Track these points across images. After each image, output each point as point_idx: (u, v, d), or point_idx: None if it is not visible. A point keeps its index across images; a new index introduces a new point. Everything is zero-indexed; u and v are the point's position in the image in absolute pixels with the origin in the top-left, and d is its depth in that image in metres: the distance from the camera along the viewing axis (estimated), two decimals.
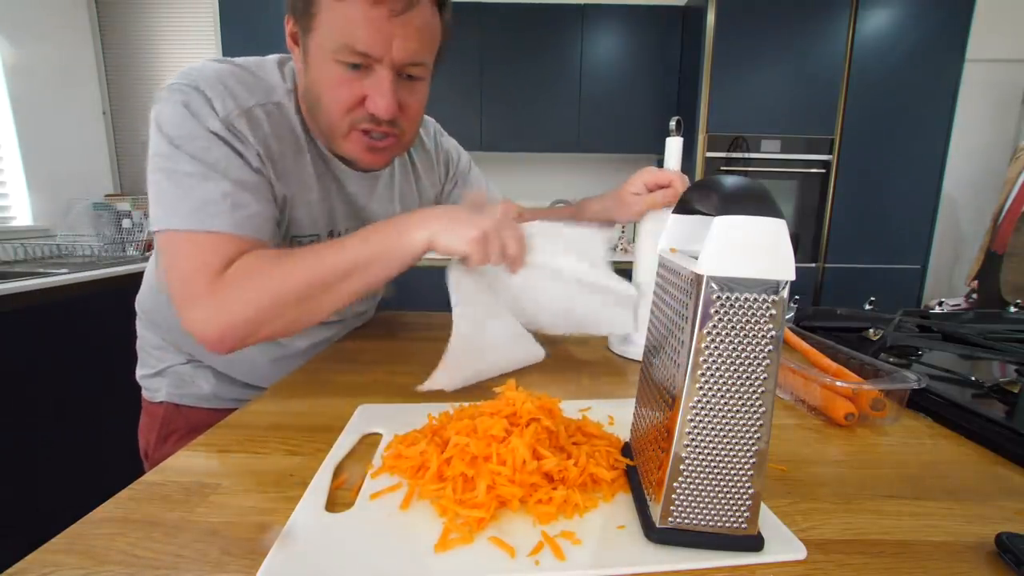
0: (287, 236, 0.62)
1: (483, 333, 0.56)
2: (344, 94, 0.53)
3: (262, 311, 0.49)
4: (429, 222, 0.50)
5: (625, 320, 0.64)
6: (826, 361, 0.59)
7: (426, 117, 0.81)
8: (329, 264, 0.49)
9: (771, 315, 0.28)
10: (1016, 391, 0.54)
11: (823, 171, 2.23)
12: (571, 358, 0.71)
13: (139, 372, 0.72)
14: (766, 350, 0.28)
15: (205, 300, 0.48)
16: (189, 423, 0.69)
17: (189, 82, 0.51)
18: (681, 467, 0.30)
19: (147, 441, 0.71)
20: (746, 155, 2.23)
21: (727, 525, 0.31)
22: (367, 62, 0.52)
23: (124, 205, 2.25)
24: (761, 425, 0.29)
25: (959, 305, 2.07)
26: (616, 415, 0.50)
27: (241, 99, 0.54)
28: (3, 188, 2.06)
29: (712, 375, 0.29)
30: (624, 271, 0.66)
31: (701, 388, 0.29)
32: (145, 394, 0.72)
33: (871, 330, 0.75)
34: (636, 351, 0.71)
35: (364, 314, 0.87)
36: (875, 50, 2.15)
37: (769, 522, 0.33)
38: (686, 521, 0.31)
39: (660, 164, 0.71)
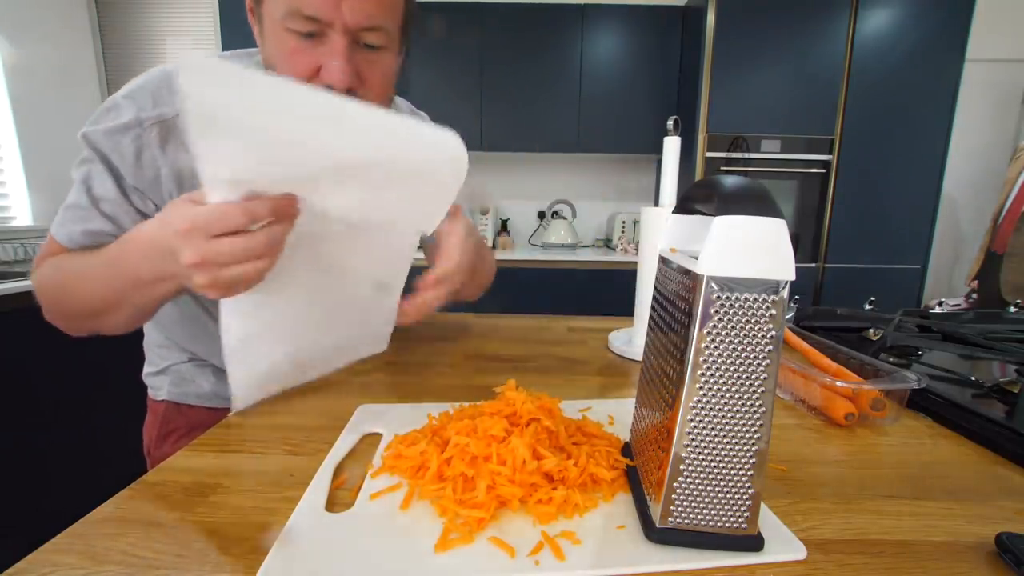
0: None
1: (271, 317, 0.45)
2: (298, 65, 0.50)
3: (53, 316, 0.55)
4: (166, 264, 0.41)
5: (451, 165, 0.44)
6: (826, 361, 0.59)
7: (422, 113, 0.78)
8: (85, 295, 0.51)
9: (771, 315, 0.28)
10: (1016, 391, 0.54)
11: (823, 171, 2.23)
12: (571, 358, 0.71)
13: (145, 370, 0.73)
14: (766, 350, 0.28)
15: (32, 280, 0.56)
16: (189, 422, 0.69)
17: (121, 92, 0.55)
18: (681, 467, 0.30)
19: (149, 439, 0.71)
20: (746, 155, 2.23)
21: (727, 525, 0.31)
22: (319, 28, 0.48)
23: None
24: (761, 425, 0.29)
25: (959, 305, 2.07)
26: (616, 415, 0.50)
27: (166, 106, 0.54)
28: (3, 188, 2.06)
29: (712, 375, 0.29)
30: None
31: (701, 388, 0.29)
32: (149, 392, 0.72)
33: (871, 330, 0.75)
34: (636, 351, 0.71)
35: None
36: (875, 50, 2.14)
37: (769, 522, 0.33)
38: (686, 521, 0.31)
39: (659, 164, 0.71)
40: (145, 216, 0.56)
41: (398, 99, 0.76)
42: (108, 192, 0.54)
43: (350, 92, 0.51)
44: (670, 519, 0.31)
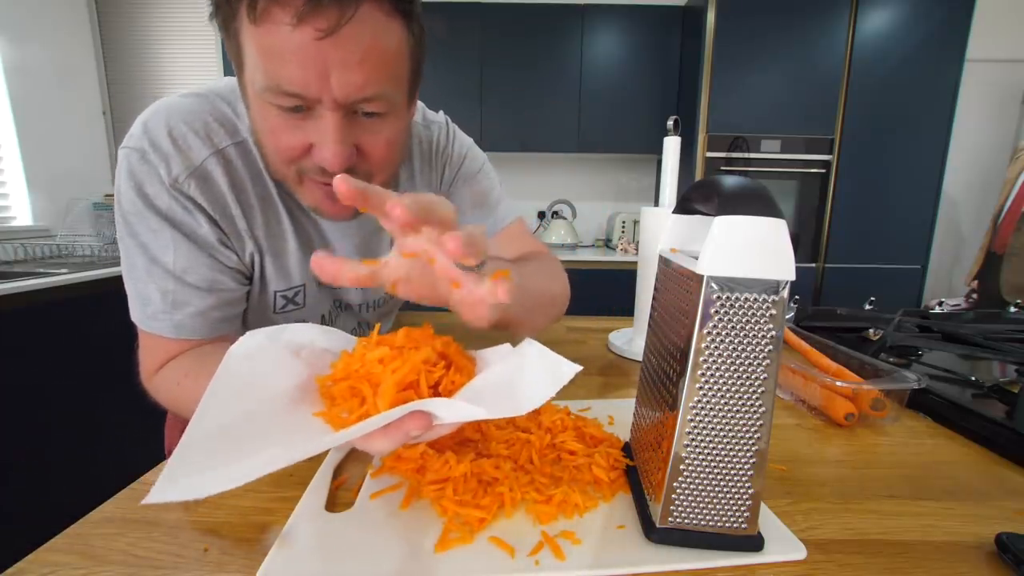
0: (266, 292, 0.57)
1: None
2: (284, 142, 0.43)
3: (180, 413, 0.53)
4: None
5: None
6: (826, 361, 0.59)
7: (437, 119, 0.69)
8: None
9: (771, 315, 0.28)
10: (1016, 391, 0.54)
11: (823, 171, 2.23)
12: (571, 358, 0.71)
13: None
14: (766, 350, 0.28)
15: (146, 387, 0.54)
16: None
17: (136, 144, 0.47)
18: (681, 467, 0.30)
19: (171, 439, 0.71)
20: (746, 155, 2.23)
21: (727, 525, 0.31)
22: (306, 103, 0.41)
23: None
24: (761, 425, 0.29)
25: (959, 305, 2.07)
26: (616, 415, 0.50)
27: (193, 152, 0.48)
28: (3, 188, 2.06)
29: (712, 375, 0.29)
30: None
31: (701, 388, 0.29)
32: None
33: (871, 330, 0.75)
34: (636, 351, 0.71)
35: (389, 315, 0.82)
36: (875, 50, 2.14)
37: (769, 522, 0.33)
38: (686, 521, 0.31)
39: (659, 164, 0.71)
40: (237, 255, 0.52)
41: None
42: (193, 260, 0.49)
43: (348, 170, 0.44)
44: (670, 519, 0.31)
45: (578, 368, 0.32)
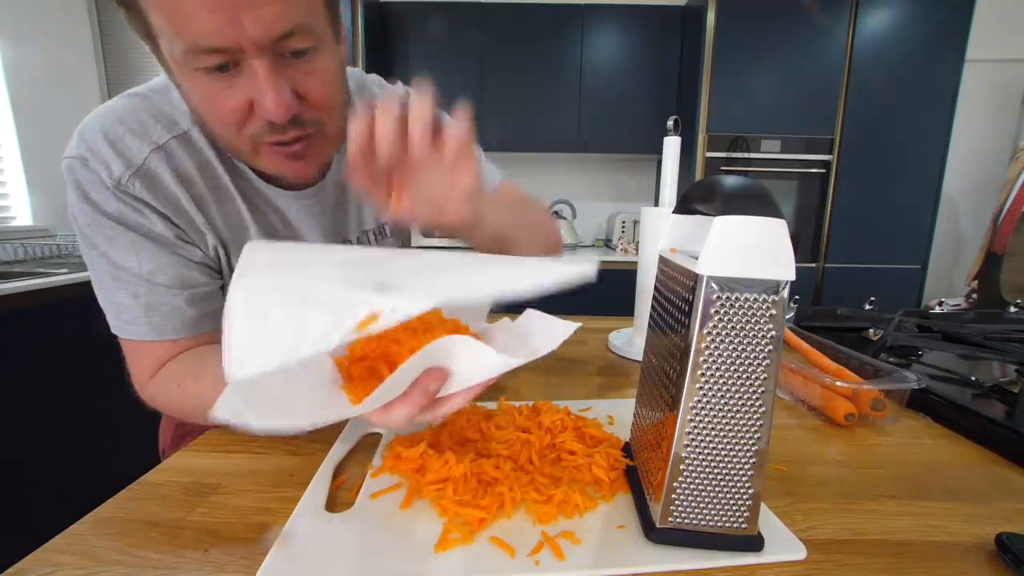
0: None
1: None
2: (224, 107, 0.41)
3: (183, 416, 0.55)
4: None
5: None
6: (826, 361, 0.59)
7: (396, 90, 0.65)
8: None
9: (771, 315, 0.28)
10: (1016, 391, 0.54)
11: (823, 171, 2.23)
12: (571, 358, 0.71)
13: None
14: (766, 350, 0.28)
15: (142, 397, 0.54)
16: (206, 425, 0.69)
17: (75, 153, 0.46)
18: (681, 467, 0.30)
19: (164, 440, 0.71)
20: (746, 155, 2.23)
21: (727, 525, 0.31)
22: (229, 58, 0.38)
23: None
24: (761, 425, 0.29)
25: (959, 305, 2.07)
26: (616, 415, 0.50)
27: (132, 152, 0.46)
28: (3, 188, 2.06)
29: (712, 375, 0.29)
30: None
31: (701, 388, 0.29)
32: None
33: (871, 330, 0.75)
34: (636, 351, 0.71)
35: None
36: (875, 50, 2.14)
37: (769, 522, 0.33)
38: (686, 521, 0.31)
39: (659, 164, 0.71)
40: (201, 248, 0.51)
41: (367, 76, 0.65)
42: (156, 260, 0.48)
43: (294, 119, 0.43)
44: (670, 519, 0.31)
45: (577, 325, 0.37)
